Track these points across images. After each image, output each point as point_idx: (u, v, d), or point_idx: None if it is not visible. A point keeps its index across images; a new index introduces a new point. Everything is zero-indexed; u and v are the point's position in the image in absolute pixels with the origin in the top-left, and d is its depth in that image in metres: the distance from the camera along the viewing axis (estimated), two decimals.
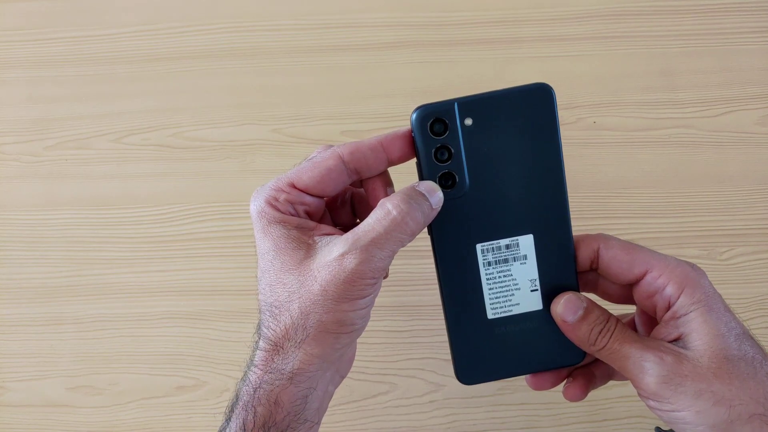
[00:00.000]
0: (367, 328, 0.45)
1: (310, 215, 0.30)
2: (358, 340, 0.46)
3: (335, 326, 0.28)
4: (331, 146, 0.30)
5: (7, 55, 0.54)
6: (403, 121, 0.51)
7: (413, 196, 0.28)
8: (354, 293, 0.27)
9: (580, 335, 0.30)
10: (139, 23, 0.54)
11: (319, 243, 0.28)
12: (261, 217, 0.29)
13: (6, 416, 0.49)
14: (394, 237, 0.27)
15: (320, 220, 0.31)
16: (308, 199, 0.30)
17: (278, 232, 0.29)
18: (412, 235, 0.28)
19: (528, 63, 0.51)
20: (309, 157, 0.30)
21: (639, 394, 0.28)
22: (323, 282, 0.27)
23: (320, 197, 0.30)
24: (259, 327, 0.30)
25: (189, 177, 0.51)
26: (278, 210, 0.29)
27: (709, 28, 0.51)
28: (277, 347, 0.28)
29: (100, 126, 0.53)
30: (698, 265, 0.29)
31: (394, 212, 0.27)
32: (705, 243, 0.48)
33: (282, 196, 0.29)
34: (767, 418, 0.26)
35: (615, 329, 0.29)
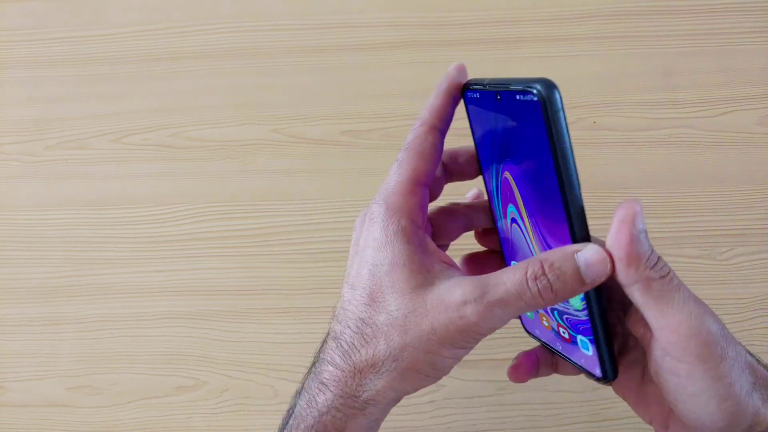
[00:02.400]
0: None
1: (426, 216, 0.28)
2: None
3: (427, 368, 0.25)
4: (413, 126, 0.28)
5: (7, 55, 0.54)
6: (403, 120, 0.51)
7: (565, 270, 0.24)
8: (461, 344, 0.25)
9: (639, 247, 0.23)
10: (139, 23, 0.54)
11: (440, 275, 0.26)
12: (390, 222, 0.26)
13: (6, 416, 0.49)
14: (524, 306, 0.24)
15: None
16: (426, 195, 0.28)
17: (402, 247, 0.26)
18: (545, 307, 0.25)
19: (528, 63, 0.51)
20: (405, 146, 0.28)
21: (660, 347, 0.25)
22: (435, 322, 0.24)
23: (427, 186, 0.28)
24: (336, 337, 0.27)
25: (189, 177, 0.51)
26: (412, 221, 0.26)
27: (709, 28, 0.51)
28: (357, 371, 0.26)
29: (100, 126, 0.53)
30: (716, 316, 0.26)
31: (535, 287, 0.24)
32: (705, 243, 0.48)
33: (415, 202, 0.26)
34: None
35: (665, 265, 0.24)
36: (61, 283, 0.50)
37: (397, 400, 0.27)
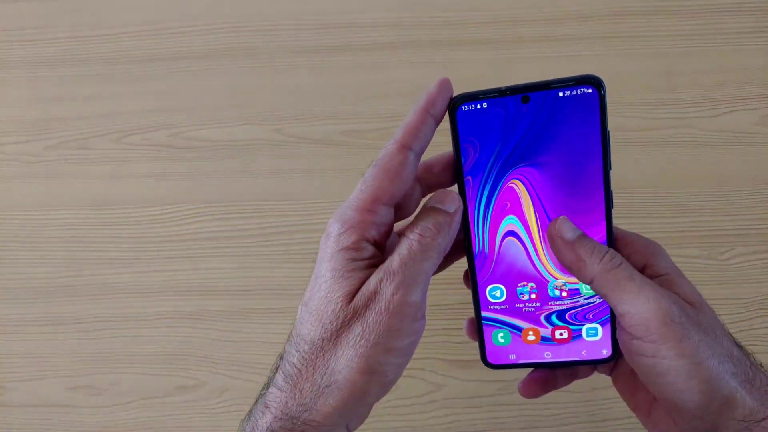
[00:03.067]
0: None
1: (387, 234, 0.28)
2: None
3: (366, 376, 0.25)
4: (386, 145, 0.28)
5: (7, 55, 0.54)
6: (401, 120, 0.51)
7: (427, 218, 0.27)
8: (394, 327, 0.25)
9: (580, 253, 0.27)
10: (139, 23, 0.54)
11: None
12: (341, 239, 0.26)
13: (6, 416, 0.49)
14: (420, 252, 0.26)
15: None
16: (389, 216, 0.28)
17: (345, 263, 0.26)
18: (445, 251, 0.27)
19: (528, 63, 0.51)
20: (374, 163, 0.28)
21: (626, 332, 0.27)
22: (364, 325, 0.25)
23: (400, 203, 0.28)
24: (282, 358, 0.27)
25: (189, 177, 0.51)
26: (364, 238, 0.26)
27: (709, 28, 0.51)
28: (296, 389, 0.25)
29: (100, 126, 0.53)
30: (659, 242, 0.30)
31: (415, 245, 0.26)
32: (705, 243, 0.48)
33: (370, 220, 0.27)
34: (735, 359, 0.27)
35: (615, 257, 0.27)
36: (61, 283, 0.50)
37: (347, 421, 0.26)
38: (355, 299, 0.25)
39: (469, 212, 0.29)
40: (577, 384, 0.47)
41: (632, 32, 0.51)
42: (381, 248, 0.28)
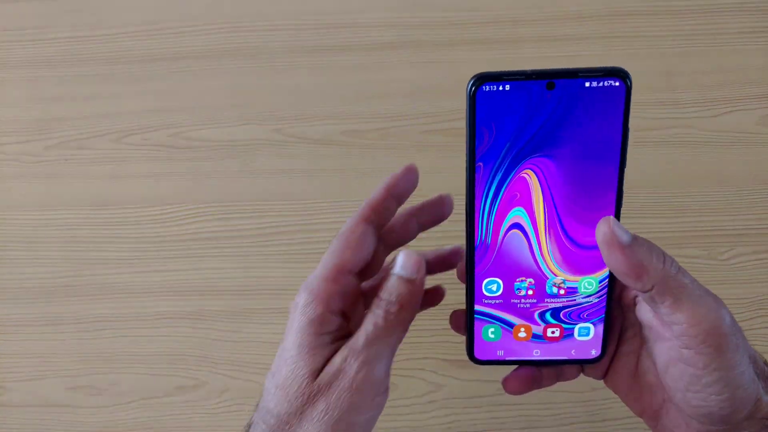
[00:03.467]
0: None
1: (353, 304, 0.29)
2: None
3: None
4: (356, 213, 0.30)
5: (7, 55, 0.54)
6: (403, 120, 0.51)
7: (392, 290, 0.27)
8: (356, 403, 0.26)
9: (640, 257, 0.25)
10: (139, 23, 0.54)
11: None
12: (306, 310, 0.27)
13: (6, 416, 0.49)
14: (387, 332, 0.27)
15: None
16: (354, 284, 0.28)
17: (309, 337, 0.27)
18: (411, 320, 0.28)
19: (528, 63, 0.51)
20: (337, 235, 0.29)
21: (675, 341, 0.26)
22: (329, 400, 0.26)
23: (362, 271, 0.29)
24: (249, 428, 0.28)
25: (189, 177, 0.51)
26: (329, 310, 0.27)
27: (709, 28, 0.51)
28: None
29: (100, 126, 0.53)
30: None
31: (381, 322, 0.27)
32: (705, 243, 0.48)
33: (335, 290, 0.27)
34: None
35: (674, 261, 0.26)
36: (61, 283, 0.50)
37: None
38: (319, 377, 0.26)
39: (476, 201, 0.28)
40: (577, 384, 0.47)
41: (632, 32, 0.51)
42: (347, 318, 0.28)
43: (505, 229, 0.28)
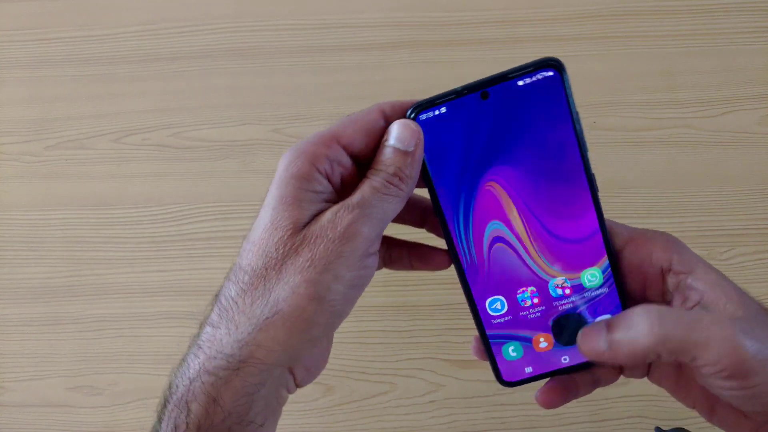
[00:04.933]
0: (366, 329, 0.46)
1: (344, 182, 0.26)
2: (358, 340, 0.47)
3: (313, 303, 0.23)
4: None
5: (7, 55, 0.54)
6: None
7: (390, 164, 0.25)
8: (344, 253, 0.23)
9: (624, 351, 0.24)
10: (139, 23, 0.54)
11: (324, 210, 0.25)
12: (291, 165, 0.25)
13: (6, 416, 0.49)
14: (388, 200, 0.25)
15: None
16: (347, 160, 0.26)
17: (291, 188, 0.25)
18: (409, 195, 0.26)
19: None
20: (348, 115, 0.27)
21: (704, 374, 0.24)
22: (314, 250, 0.23)
23: (359, 157, 0.26)
24: (218, 294, 0.25)
25: (189, 177, 0.51)
26: (313, 165, 0.25)
27: (709, 28, 0.51)
28: (231, 323, 0.23)
29: (100, 126, 0.53)
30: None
31: (381, 188, 0.25)
32: (705, 243, 0.48)
33: (324, 152, 0.25)
34: None
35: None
36: (61, 283, 0.50)
37: (291, 359, 0.24)
38: (305, 228, 0.24)
39: (450, 227, 0.27)
40: None
41: (632, 32, 0.51)
42: (336, 189, 0.26)
43: (488, 245, 0.28)
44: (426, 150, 0.26)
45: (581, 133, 0.26)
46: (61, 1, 0.55)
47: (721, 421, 0.28)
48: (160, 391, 0.47)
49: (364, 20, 0.53)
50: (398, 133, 0.25)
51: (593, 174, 0.26)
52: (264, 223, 0.24)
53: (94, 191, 0.51)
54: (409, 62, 0.52)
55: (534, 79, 0.25)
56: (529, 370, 0.30)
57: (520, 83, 0.25)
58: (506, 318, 0.29)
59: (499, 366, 0.30)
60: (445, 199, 0.27)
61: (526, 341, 0.29)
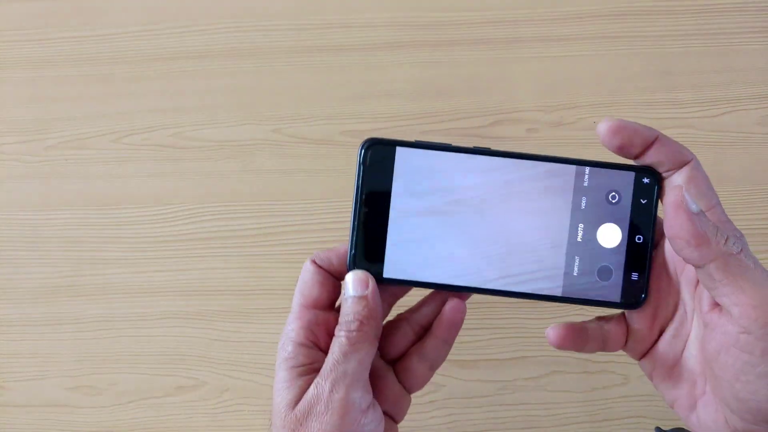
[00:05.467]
0: None
1: (329, 335, 0.30)
2: None
3: None
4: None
5: (7, 55, 0.54)
6: (403, 120, 0.51)
7: (347, 311, 0.29)
8: (341, 426, 0.27)
9: (704, 226, 0.25)
10: (139, 23, 0.54)
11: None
12: (280, 351, 0.30)
13: (6, 416, 0.49)
14: (357, 350, 0.28)
15: None
16: (323, 315, 0.30)
17: (283, 374, 0.29)
18: (377, 336, 0.29)
19: (528, 63, 0.51)
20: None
21: (733, 325, 0.25)
22: (307, 424, 0.27)
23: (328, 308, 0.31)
24: None
25: (189, 177, 0.51)
26: (298, 344, 0.30)
27: (709, 28, 0.51)
28: None
29: (100, 126, 0.53)
30: None
31: (344, 341, 0.28)
32: None
33: (299, 326, 0.30)
34: None
35: (737, 241, 0.26)
36: (61, 283, 0.50)
37: None
38: (296, 406, 0.27)
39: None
40: (577, 384, 0.47)
41: (632, 32, 0.51)
42: (326, 350, 0.29)
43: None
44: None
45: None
46: (61, 1, 0.55)
47: (700, 421, 0.28)
48: (160, 391, 0.47)
49: (364, 20, 0.53)
50: (351, 282, 0.29)
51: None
52: (274, 405, 0.29)
53: (94, 191, 0.51)
54: (409, 62, 0.52)
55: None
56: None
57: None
58: None
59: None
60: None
61: None
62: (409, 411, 0.48)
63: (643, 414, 0.46)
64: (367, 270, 0.30)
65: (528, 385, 0.47)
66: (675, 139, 0.29)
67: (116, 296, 0.50)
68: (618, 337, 0.31)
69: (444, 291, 0.32)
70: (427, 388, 0.48)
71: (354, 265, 0.30)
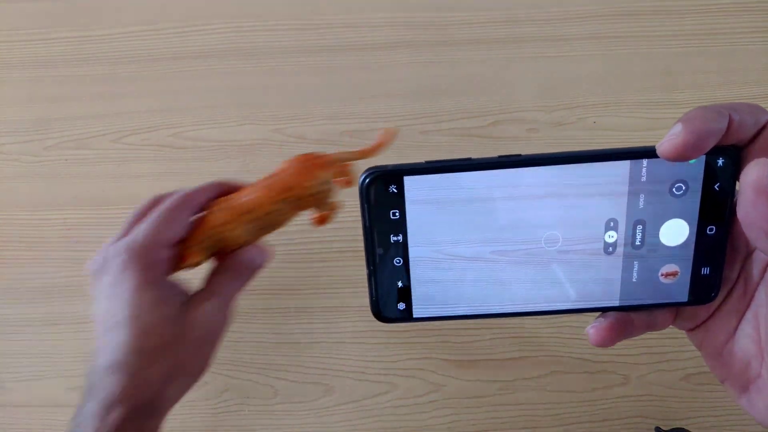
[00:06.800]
0: (366, 329, 0.45)
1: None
2: (358, 340, 0.47)
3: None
4: (177, 194, 0.37)
5: (7, 55, 0.54)
6: (403, 120, 0.51)
7: None
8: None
9: None
10: (139, 23, 0.54)
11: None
12: (147, 275, 0.35)
13: (6, 416, 0.49)
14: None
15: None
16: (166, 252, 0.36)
17: (159, 290, 0.36)
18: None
19: (528, 63, 0.51)
20: (162, 208, 0.36)
21: None
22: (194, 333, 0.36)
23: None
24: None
25: (189, 177, 0.51)
26: (163, 268, 0.35)
27: (709, 28, 0.51)
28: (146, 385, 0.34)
29: (100, 126, 0.53)
30: None
31: None
32: None
33: (166, 255, 0.36)
34: None
35: None
36: (61, 283, 0.50)
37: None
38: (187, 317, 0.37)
39: None
40: (577, 384, 0.47)
41: (632, 32, 0.51)
42: None
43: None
44: None
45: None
46: (61, 1, 0.55)
47: (751, 403, 0.26)
48: None
49: (364, 20, 0.53)
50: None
51: None
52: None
53: (94, 191, 0.51)
54: (409, 62, 0.52)
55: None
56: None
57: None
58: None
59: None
60: None
61: None
62: (409, 411, 0.48)
63: (643, 414, 0.46)
64: (396, 315, 0.27)
65: (528, 385, 0.47)
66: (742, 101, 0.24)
67: None
68: (666, 318, 0.28)
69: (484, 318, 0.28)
70: (427, 387, 0.48)
71: (379, 313, 0.27)
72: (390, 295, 0.27)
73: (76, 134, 0.53)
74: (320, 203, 0.38)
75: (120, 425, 0.31)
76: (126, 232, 0.36)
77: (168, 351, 0.33)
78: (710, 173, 0.24)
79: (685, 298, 0.26)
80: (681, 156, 0.22)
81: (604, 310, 0.27)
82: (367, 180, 0.26)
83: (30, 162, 0.52)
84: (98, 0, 0.55)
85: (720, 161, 0.24)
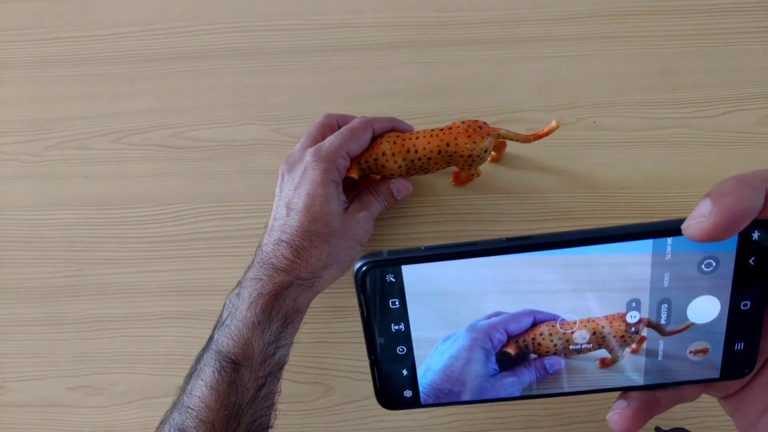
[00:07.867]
0: None
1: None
2: (358, 340, 0.47)
3: (350, 260, 0.42)
4: (364, 118, 0.44)
5: (7, 55, 0.54)
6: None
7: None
8: (365, 239, 0.43)
9: None
10: (139, 23, 0.54)
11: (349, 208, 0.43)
12: (327, 176, 0.40)
13: (6, 416, 0.49)
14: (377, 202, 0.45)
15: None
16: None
17: (333, 188, 0.41)
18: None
19: (528, 63, 0.51)
20: (349, 127, 0.43)
21: None
22: (357, 231, 0.43)
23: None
24: (285, 241, 0.39)
25: (189, 177, 0.51)
26: (339, 173, 0.42)
27: (709, 28, 0.51)
28: (308, 265, 0.39)
29: (100, 126, 0.53)
30: None
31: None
32: None
33: (343, 164, 0.42)
34: None
35: None
36: (61, 283, 0.50)
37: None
38: (350, 219, 0.43)
39: None
40: None
41: (632, 32, 0.51)
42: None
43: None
44: None
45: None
46: (61, 1, 0.55)
47: None
48: (160, 391, 0.47)
49: (364, 20, 0.53)
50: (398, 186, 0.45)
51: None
52: (322, 208, 0.41)
53: (94, 191, 0.51)
54: (409, 62, 0.52)
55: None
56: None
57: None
58: None
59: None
60: None
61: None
62: (408, 411, 0.48)
63: None
64: (403, 403, 0.26)
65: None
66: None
67: (116, 296, 0.50)
68: (696, 390, 0.26)
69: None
70: None
71: (384, 403, 0.26)
72: (395, 383, 0.25)
73: (76, 134, 0.53)
74: (469, 167, 0.43)
75: (284, 286, 0.38)
76: (309, 144, 0.43)
77: (329, 240, 0.40)
78: (744, 247, 0.22)
79: (716, 375, 0.24)
80: (711, 239, 0.20)
81: (627, 389, 0.25)
82: (363, 270, 0.23)
83: (30, 162, 0.52)
84: (98, 0, 0.55)
85: (755, 235, 0.22)
